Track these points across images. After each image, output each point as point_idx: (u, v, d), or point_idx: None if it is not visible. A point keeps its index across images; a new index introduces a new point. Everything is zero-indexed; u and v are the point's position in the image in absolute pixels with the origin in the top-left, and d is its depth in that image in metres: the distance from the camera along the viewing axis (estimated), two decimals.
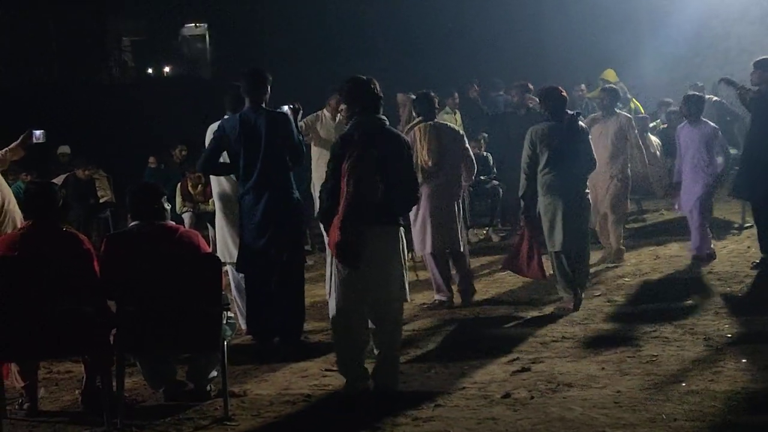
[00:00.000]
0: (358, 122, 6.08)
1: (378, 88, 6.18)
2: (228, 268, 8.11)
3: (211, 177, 8.35)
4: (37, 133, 7.70)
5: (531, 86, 12.28)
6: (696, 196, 10.02)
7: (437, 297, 8.91)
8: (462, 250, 8.89)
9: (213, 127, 8.06)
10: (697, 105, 10.22)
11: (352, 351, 6.09)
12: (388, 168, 5.94)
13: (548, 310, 8.50)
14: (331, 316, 6.17)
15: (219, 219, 8.27)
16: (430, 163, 8.59)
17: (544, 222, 8.49)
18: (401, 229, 6.19)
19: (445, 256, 8.87)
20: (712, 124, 10.34)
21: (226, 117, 7.73)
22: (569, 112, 8.58)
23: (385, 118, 6.22)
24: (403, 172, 6.12)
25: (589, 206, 8.76)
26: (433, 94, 9.04)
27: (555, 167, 8.35)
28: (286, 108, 7.69)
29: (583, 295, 8.54)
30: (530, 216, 8.62)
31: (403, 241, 6.18)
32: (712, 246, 10.14)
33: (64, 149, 15.51)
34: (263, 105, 7.49)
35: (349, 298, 6.02)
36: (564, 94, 8.61)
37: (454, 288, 8.96)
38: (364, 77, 6.22)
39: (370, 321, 6.14)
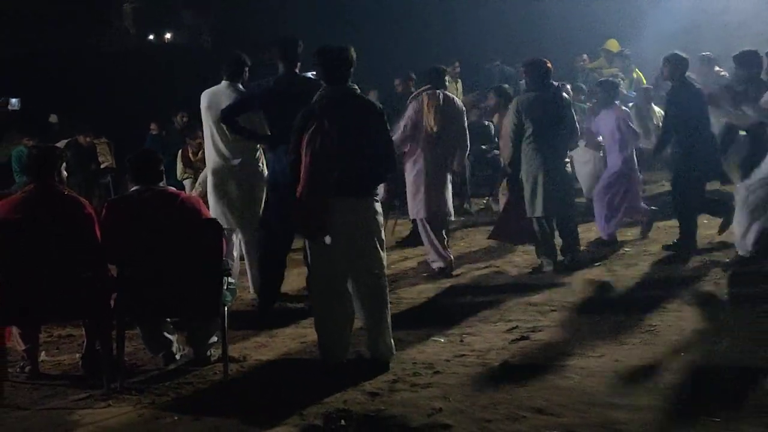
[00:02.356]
0: (323, 93, 5.97)
1: (350, 56, 6.00)
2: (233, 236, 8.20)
3: (207, 149, 8.33)
4: (13, 101, 7.70)
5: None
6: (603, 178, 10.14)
7: (435, 265, 8.94)
8: (451, 218, 9.18)
9: (207, 92, 8.13)
10: (611, 90, 10.27)
11: (328, 322, 5.99)
12: (354, 139, 5.83)
13: (546, 277, 8.57)
14: (309, 288, 6.16)
15: (212, 190, 8.25)
16: (435, 129, 8.73)
17: (526, 188, 8.72)
18: (375, 199, 6.05)
19: (439, 221, 8.95)
20: (625, 108, 10.45)
21: (260, 81, 7.77)
22: (554, 83, 8.80)
23: (356, 87, 6.07)
24: (374, 143, 5.95)
25: (571, 176, 9.03)
26: (444, 67, 9.28)
27: (539, 136, 8.59)
28: (310, 74, 7.74)
29: (575, 262, 8.82)
30: (515, 183, 8.85)
31: (378, 212, 6.05)
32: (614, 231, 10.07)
33: (53, 118, 15.59)
34: (296, 71, 7.57)
35: (322, 270, 5.97)
36: (549, 65, 8.79)
37: None
38: (333, 46, 6.05)
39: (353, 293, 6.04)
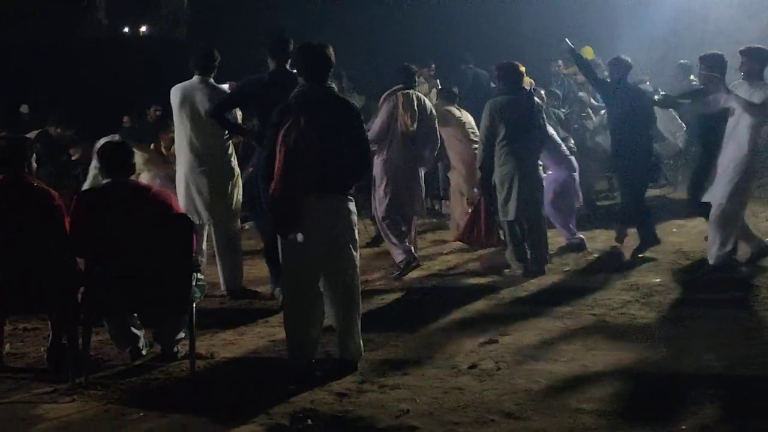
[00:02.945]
0: (300, 91, 5.93)
1: (329, 54, 5.99)
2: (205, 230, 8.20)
3: (177, 140, 8.28)
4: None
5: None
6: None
7: (399, 259, 8.94)
8: (423, 217, 9.39)
9: (178, 87, 8.10)
10: (556, 100, 10.99)
11: (298, 320, 5.93)
12: (330, 136, 5.79)
13: (515, 281, 8.58)
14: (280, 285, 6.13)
15: (183, 184, 8.19)
16: (413, 127, 8.83)
17: (500, 191, 8.76)
18: (349, 198, 6.00)
19: (408, 219, 9.10)
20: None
21: (252, 77, 7.87)
22: (526, 87, 8.94)
23: (333, 86, 6.07)
24: (349, 141, 5.91)
25: (542, 180, 9.14)
26: (414, 66, 9.41)
27: (512, 140, 8.65)
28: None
29: (545, 268, 8.86)
30: (487, 186, 8.89)
31: (352, 211, 6.01)
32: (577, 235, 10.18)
33: (24, 108, 15.52)
34: (288, 68, 7.61)
35: (294, 268, 5.92)
36: (522, 69, 8.91)
37: None
38: (315, 44, 6.03)
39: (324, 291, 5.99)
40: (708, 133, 9.18)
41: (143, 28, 30.61)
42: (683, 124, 12.72)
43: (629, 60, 9.42)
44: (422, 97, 9.31)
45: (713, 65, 8.82)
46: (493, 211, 8.94)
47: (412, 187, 9.04)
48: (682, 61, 12.89)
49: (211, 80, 8.16)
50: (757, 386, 5.44)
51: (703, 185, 9.05)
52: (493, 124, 8.69)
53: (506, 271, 8.91)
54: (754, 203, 10.40)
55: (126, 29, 30.16)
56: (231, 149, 8.27)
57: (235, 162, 8.28)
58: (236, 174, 8.26)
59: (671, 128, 12.95)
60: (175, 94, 8.16)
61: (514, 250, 8.86)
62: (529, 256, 8.89)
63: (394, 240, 8.96)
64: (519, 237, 8.82)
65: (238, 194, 8.30)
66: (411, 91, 9.04)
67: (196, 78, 8.14)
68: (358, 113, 6.08)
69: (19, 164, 6.03)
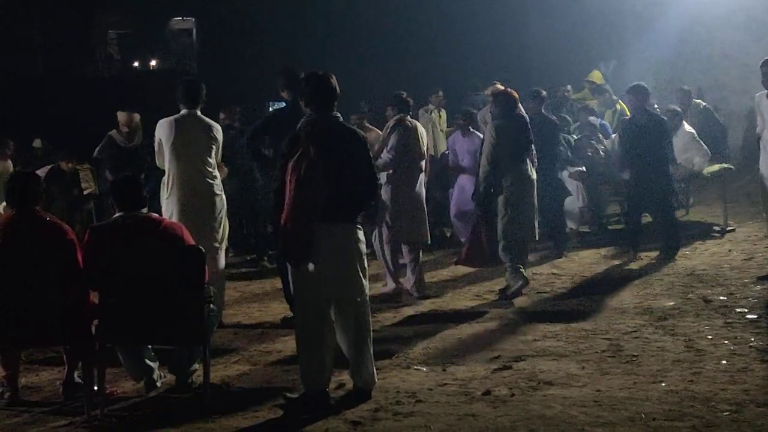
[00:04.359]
0: (308, 120, 5.97)
1: (335, 84, 6.05)
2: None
3: (177, 174, 8.20)
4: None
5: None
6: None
7: (384, 289, 9.24)
8: (428, 241, 9.61)
9: (162, 122, 8.18)
10: (469, 119, 11.49)
11: (311, 349, 5.91)
12: (339, 166, 5.83)
13: (529, 306, 8.61)
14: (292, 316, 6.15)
15: (171, 214, 8.10)
16: (425, 154, 9.28)
17: (509, 212, 8.85)
18: (358, 227, 6.02)
19: (416, 246, 9.28)
20: (481, 135, 10.83)
21: (278, 107, 8.33)
22: (521, 113, 9.13)
23: (339, 115, 6.10)
24: (358, 170, 5.95)
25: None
26: (405, 95, 9.55)
27: (514, 161, 8.87)
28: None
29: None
30: (486, 207, 9.03)
31: (361, 240, 6.03)
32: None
33: (37, 143, 15.59)
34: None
35: (305, 297, 5.93)
36: (515, 96, 9.18)
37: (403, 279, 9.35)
38: (321, 72, 6.09)
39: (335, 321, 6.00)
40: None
41: (153, 63, 30.84)
42: (707, 149, 12.65)
43: (512, 91, 9.53)
44: (419, 125, 9.59)
45: (641, 94, 9.88)
46: (492, 232, 9.03)
47: (417, 215, 9.22)
48: (684, 87, 13.09)
49: (198, 113, 8.24)
50: None
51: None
52: (496, 146, 8.83)
53: (503, 289, 8.99)
54: None
55: (136, 64, 30.40)
56: (219, 182, 8.34)
57: (223, 195, 8.35)
58: (224, 206, 8.35)
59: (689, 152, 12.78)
60: (163, 127, 8.18)
61: (517, 268, 8.87)
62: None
63: (391, 267, 9.20)
64: (516, 257, 8.89)
65: (225, 227, 8.40)
66: (411, 119, 9.40)
67: (184, 111, 8.20)
68: (365, 142, 6.14)
69: (32, 199, 6.08)
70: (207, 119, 8.33)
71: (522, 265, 8.89)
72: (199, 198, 8.15)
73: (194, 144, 8.15)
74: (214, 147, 8.25)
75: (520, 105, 9.15)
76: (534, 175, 9.06)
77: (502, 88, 10.23)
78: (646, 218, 11.36)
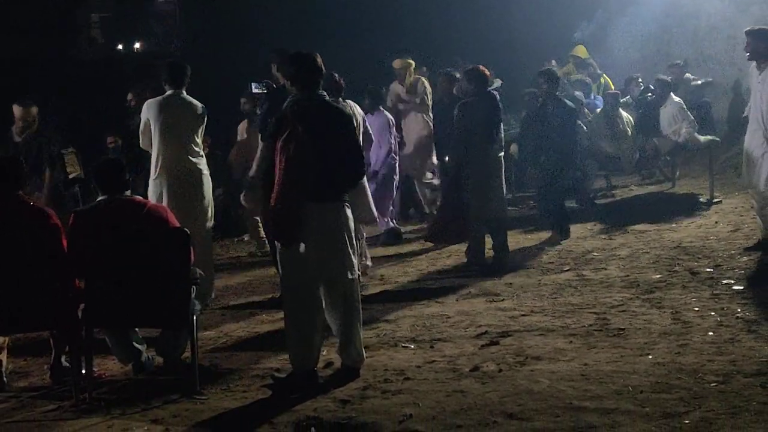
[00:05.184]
0: (295, 99, 5.97)
1: (320, 63, 6.04)
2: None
3: (164, 155, 8.21)
4: None
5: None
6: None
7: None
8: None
9: (150, 102, 8.20)
10: (378, 96, 11.58)
11: (299, 328, 5.92)
12: (326, 144, 5.83)
13: (516, 281, 8.62)
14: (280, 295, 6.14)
15: (158, 195, 8.16)
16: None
17: (481, 190, 9.13)
18: (346, 205, 6.02)
19: None
20: (388, 114, 11.30)
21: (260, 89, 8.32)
22: (490, 90, 9.47)
23: (325, 94, 6.10)
24: (345, 148, 5.96)
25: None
26: (338, 77, 9.29)
27: (484, 138, 9.12)
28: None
29: (504, 262, 9.37)
30: (458, 184, 9.23)
31: (349, 218, 6.03)
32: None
33: None
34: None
35: (293, 276, 5.93)
36: (487, 73, 9.46)
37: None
38: (306, 52, 6.07)
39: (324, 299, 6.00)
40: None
41: (137, 45, 30.66)
42: (693, 118, 12.73)
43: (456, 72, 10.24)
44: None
45: (479, 79, 9.39)
46: (458, 209, 9.20)
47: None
48: (661, 76, 13.21)
49: (184, 93, 8.28)
50: (759, 381, 5.43)
51: None
52: (465, 125, 9.07)
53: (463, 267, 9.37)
54: None
55: (120, 46, 30.22)
56: (205, 164, 8.40)
57: (208, 178, 8.40)
58: (210, 188, 8.41)
59: (677, 123, 12.75)
60: (150, 109, 8.21)
61: (476, 249, 9.28)
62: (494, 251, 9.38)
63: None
64: (481, 236, 9.24)
65: (211, 209, 8.47)
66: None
67: (170, 92, 8.22)
68: (351, 120, 6.16)
69: (15, 184, 6.04)
70: (193, 99, 8.35)
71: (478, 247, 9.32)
72: (186, 177, 8.20)
73: (182, 124, 8.21)
74: (200, 127, 8.33)
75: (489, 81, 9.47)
76: (501, 153, 9.34)
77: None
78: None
